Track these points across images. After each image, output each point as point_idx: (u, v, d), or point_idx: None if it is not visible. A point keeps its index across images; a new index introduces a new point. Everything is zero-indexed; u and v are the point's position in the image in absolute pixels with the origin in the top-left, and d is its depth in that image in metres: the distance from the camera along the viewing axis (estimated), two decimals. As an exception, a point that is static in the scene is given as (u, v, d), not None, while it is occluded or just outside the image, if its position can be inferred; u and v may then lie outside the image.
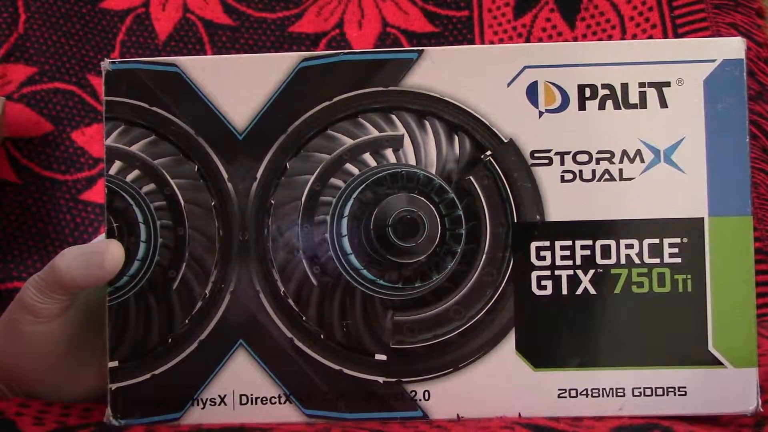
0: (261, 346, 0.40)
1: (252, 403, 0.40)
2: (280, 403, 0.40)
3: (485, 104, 0.40)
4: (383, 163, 0.41)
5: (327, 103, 0.41)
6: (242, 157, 0.41)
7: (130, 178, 0.41)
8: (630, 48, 0.41)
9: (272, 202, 0.41)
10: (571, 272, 0.40)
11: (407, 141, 0.41)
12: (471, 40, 0.76)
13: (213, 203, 0.41)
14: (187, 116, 0.41)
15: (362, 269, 0.40)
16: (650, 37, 0.73)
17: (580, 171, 0.40)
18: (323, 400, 0.40)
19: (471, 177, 0.40)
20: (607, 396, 0.40)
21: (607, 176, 0.40)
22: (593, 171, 0.40)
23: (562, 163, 0.40)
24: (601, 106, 0.40)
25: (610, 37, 0.74)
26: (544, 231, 0.40)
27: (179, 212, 0.41)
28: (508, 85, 0.40)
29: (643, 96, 0.40)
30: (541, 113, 0.40)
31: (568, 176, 0.40)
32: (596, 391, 0.40)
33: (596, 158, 0.40)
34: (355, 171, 0.41)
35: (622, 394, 0.40)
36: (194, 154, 0.41)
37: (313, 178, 0.41)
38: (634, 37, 0.73)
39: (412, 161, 0.41)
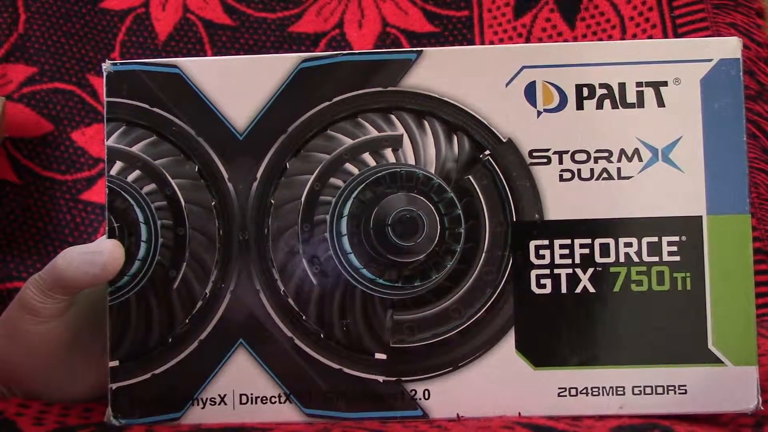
0: (261, 345, 0.40)
1: (252, 403, 0.40)
2: (280, 402, 0.40)
3: (484, 104, 0.40)
4: (382, 163, 0.41)
5: (327, 103, 0.41)
6: (242, 157, 0.41)
7: (131, 178, 0.41)
8: (627, 48, 0.41)
9: (272, 201, 0.41)
10: (570, 271, 0.40)
11: (406, 141, 0.41)
12: (471, 40, 0.76)
13: (213, 203, 0.41)
14: (187, 117, 0.41)
15: (362, 268, 0.40)
16: (650, 37, 0.73)
17: (579, 170, 0.40)
18: (323, 400, 0.40)
19: (470, 176, 0.41)
20: (608, 395, 0.40)
21: (605, 175, 0.40)
22: (591, 170, 0.40)
23: (561, 162, 0.40)
24: (599, 106, 0.40)
25: (610, 37, 0.74)
26: (543, 230, 0.40)
27: (180, 212, 0.41)
28: (507, 85, 0.41)
29: (640, 95, 0.40)
30: (539, 113, 0.40)
31: (567, 175, 0.40)
32: (596, 389, 0.40)
33: (594, 157, 0.40)
34: (355, 171, 0.41)
35: (622, 392, 0.40)
36: (195, 155, 0.41)
37: (312, 177, 0.41)
38: (634, 37, 0.74)
39: (412, 161, 0.41)
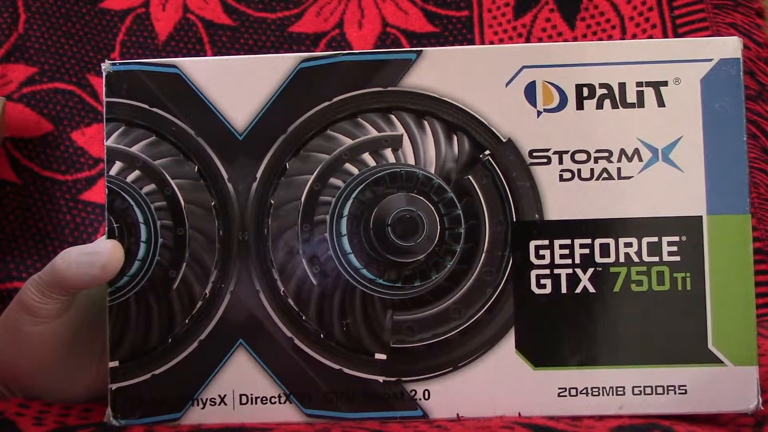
0: (261, 345, 0.40)
1: (252, 403, 0.40)
2: (280, 402, 0.40)
3: (484, 104, 0.40)
4: (382, 163, 0.41)
5: (326, 103, 0.41)
6: (242, 157, 0.41)
7: (130, 178, 0.41)
8: (627, 48, 0.41)
9: (272, 202, 0.41)
10: (570, 271, 0.40)
11: (406, 141, 0.41)
12: (471, 40, 0.76)
13: (213, 203, 0.41)
14: (187, 117, 0.41)
15: (362, 269, 0.40)
16: (650, 37, 0.73)
17: (579, 170, 0.40)
18: (323, 400, 0.40)
19: (470, 176, 0.41)
20: (607, 395, 0.40)
21: (605, 175, 0.40)
22: (591, 170, 0.40)
23: (561, 162, 0.40)
24: (599, 106, 0.40)
25: (610, 37, 0.74)
26: (543, 230, 0.40)
27: (179, 212, 0.41)
28: (507, 85, 0.40)
29: (640, 95, 0.40)
30: (539, 113, 0.40)
31: (567, 175, 0.40)
32: (596, 389, 0.40)
33: (594, 157, 0.40)
34: (355, 171, 0.41)
35: (622, 392, 0.40)
36: (194, 155, 0.41)
37: (312, 178, 0.41)
38: (634, 37, 0.74)
39: (411, 161, 0.41)
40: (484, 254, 0.40)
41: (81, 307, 0.43)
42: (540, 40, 0.75)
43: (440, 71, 0.40)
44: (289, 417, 0.40)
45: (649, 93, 0.40)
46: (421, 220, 0.40)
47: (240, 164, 0.41)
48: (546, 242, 0.40)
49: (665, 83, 0.40)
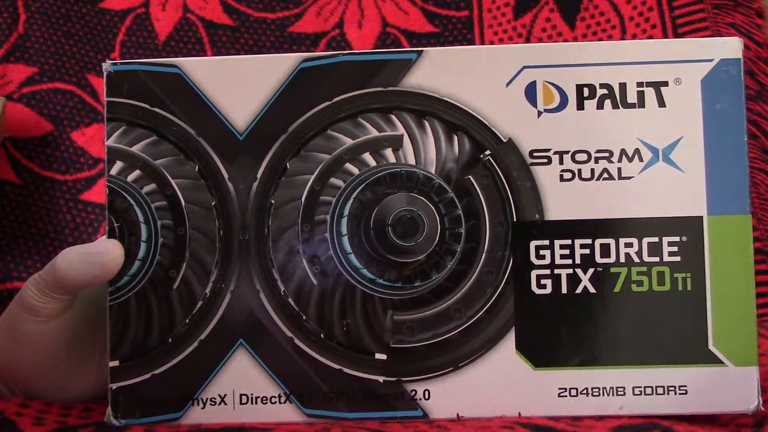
0: (261, 345, 0.40)
1: (252, 403, 0.40)
2: (280, 402, 0.40)
3: (484, 104, 0.40)
4: (383, 163, 0.41)
5: (327, 103, 0.41)
6: (243, 157, 0.41)
7: (131, 178, 0.41)
8: (628, 48, 0.41)
9: (272, 201, 0.41)
10: (570, 271, 0.40)
11: (407, 141, 0.41)
12: (471, 40, 0.76)
13: (213, 203, 0.41)
14: (187, 117, 0.41)
15: (362, 268, 0.40)
16: (650, 37, 0.73)
17: (579, 170, 0.40)
18: (323, 400, 0.40)
19: (470, 176, 0.41)
20: (608, 395, 0.40)
21: (606, 175, 0.40)
22: (592, 170, 0.40)
23: (561, 162, 0.40)
24: (600, 106, 0.40)
25: (610, 37, 0.74)
26: (543, 230, 0.40)
27: (180, 212, 0.41)
28: (507, 85, 0.40)
29: (641, 95, 0.40)
30: (539, 113, 0.40)
31: (567, 175, 0.40)
32: (596, 390, 0.40)
33: (595, 157, 0.40)
34: (355, 171, 0.41)
35: (622, 393, 0.40)
36: (195, 155, 0.41)
37: (313, 177, 0.41)
38: (634, 37, 0.74)
39: (412, 161, 0.41)
40: (484, 254, 0.40)
41: (81, 307, 0.43)
42: (540, 40, 0.75)
43: (441, 71, 0.40)
44: (289, 417, 0.40)
45: (649, 93, 0.40)
46: (421, 220, 0.40)
47: (240, 164, 0.41)
48: (546, 242, 0.40)
49: (666, 83, 0.40)
